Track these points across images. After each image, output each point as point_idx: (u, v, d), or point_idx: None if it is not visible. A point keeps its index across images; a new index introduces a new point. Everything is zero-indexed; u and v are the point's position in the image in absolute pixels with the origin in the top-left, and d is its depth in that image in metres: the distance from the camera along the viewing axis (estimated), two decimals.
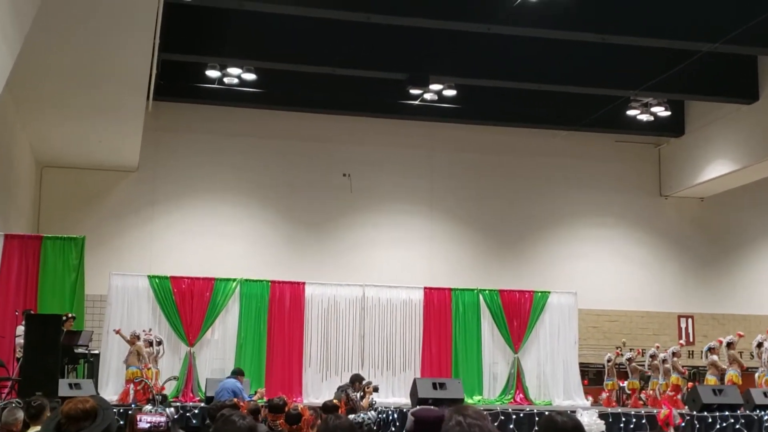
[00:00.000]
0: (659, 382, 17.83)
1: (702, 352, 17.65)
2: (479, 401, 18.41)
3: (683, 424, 14.81)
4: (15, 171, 18.01)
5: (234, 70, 18.73)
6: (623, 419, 15.99)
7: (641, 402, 18.28)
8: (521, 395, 18.97)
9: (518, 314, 19.45)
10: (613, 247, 23.28)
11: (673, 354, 17.76)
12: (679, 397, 17.33)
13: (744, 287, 23.69)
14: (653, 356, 17.85)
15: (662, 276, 23.41)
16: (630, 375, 18.64)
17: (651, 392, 18.18)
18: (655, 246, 23.48)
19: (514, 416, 15.64)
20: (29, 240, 17.26)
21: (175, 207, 21.31)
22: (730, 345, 17.02)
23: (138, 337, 16.35)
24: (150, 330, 16.82)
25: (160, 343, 16.79)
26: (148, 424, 6.39)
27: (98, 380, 16.92)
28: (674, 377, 17.62)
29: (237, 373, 15.57)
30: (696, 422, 14.76)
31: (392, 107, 20.78)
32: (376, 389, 15.63)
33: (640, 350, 19.84)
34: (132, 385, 16.04)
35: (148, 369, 16.25)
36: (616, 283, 22.94)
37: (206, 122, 21.35)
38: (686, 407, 15.98)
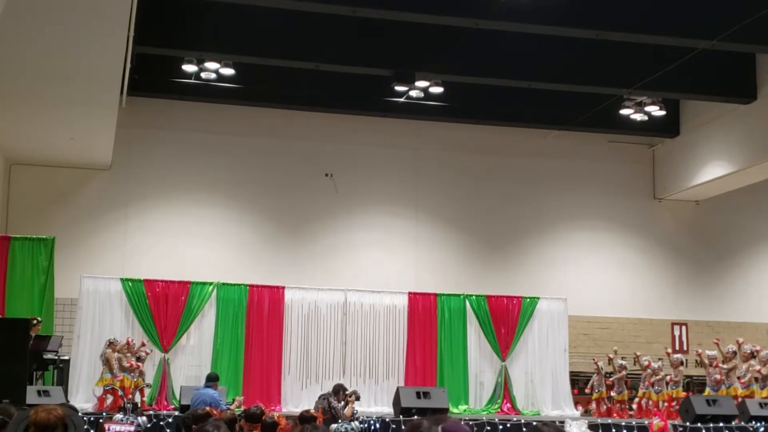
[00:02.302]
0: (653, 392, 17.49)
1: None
2: (465, 411, 18.25)
3: None
4: None
5: (212, 65, 18.13)
6: (613, 430, 15.75)
7: (630, 413, 17.98)
8: (509, 405, 18.68)
9: (506, 321, 19.13)
10: (604, 251, 22.75)
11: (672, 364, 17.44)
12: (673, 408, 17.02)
13: (740, 294, 23.19)
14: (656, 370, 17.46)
15: (655, 282, 22.89)
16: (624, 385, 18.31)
17: (641, 401, 17.88)
18: (649, 250, 22.96)
19: (500, 426, 15.62)
20: None
21: (150, 207, 20.63)
22: None
23: (111, 343, 15.95)
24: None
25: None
26: None
27: (68, 387, 16.59)
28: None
29: (212, 380, 15.08)
30: None
31: (377, 105, 20.23)
32: (357, 397, 15.33)
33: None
34: (109, 394, 15.68)
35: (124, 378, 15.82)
36: (608, 289, 22.43)
37: (183, 119, 20.70)
38: (679, 418, 15.78)
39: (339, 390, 15.18)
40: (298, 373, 18.20)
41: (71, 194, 20.23)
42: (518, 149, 22.41)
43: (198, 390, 14.75)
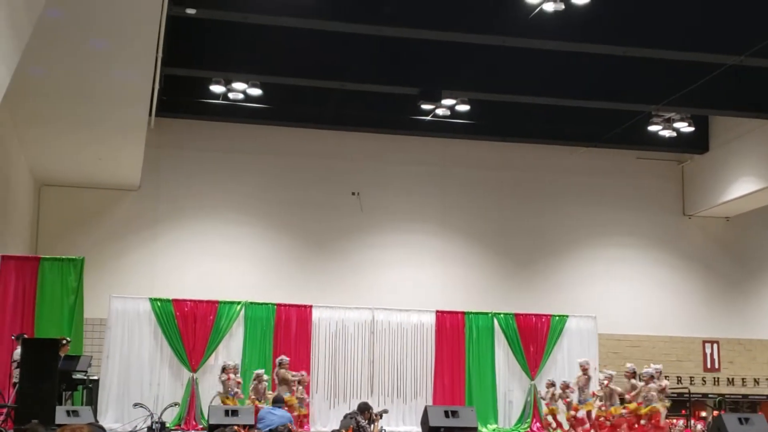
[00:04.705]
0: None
1: None
2: (494, 430, 18.15)
3: None
4: (12, 190, 17.53)
5: (239, 85, 18.21)
6: None
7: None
8: (538, 424, 18.53)
9: (535, 339, 19.08)
10: (634, 268, 22.49)
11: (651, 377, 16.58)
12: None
13: None
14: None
15: (686, 299, 22.61)
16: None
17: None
18: (679, 268, 22.69)
19: None
20: (26, 261, 16.91)
21: (178, 227, 20.72)
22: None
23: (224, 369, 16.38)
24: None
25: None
26: None
27: (97, 407, 16.64)
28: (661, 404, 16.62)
29: (281, 401, 15.03)
30: None
31: (403, 123, 20.25)
32: (384, 412, 15.28)
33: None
34: None
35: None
36: (638, 307, 22.16)
37: (210, 139, 20.82)
38: None
39: (365, 409, 15.07)
40: (326, 392, 18.22)
41: (100, 215, 20.36)
42: (546, 166, 22.30)
43: (270, 410, 14.50)
